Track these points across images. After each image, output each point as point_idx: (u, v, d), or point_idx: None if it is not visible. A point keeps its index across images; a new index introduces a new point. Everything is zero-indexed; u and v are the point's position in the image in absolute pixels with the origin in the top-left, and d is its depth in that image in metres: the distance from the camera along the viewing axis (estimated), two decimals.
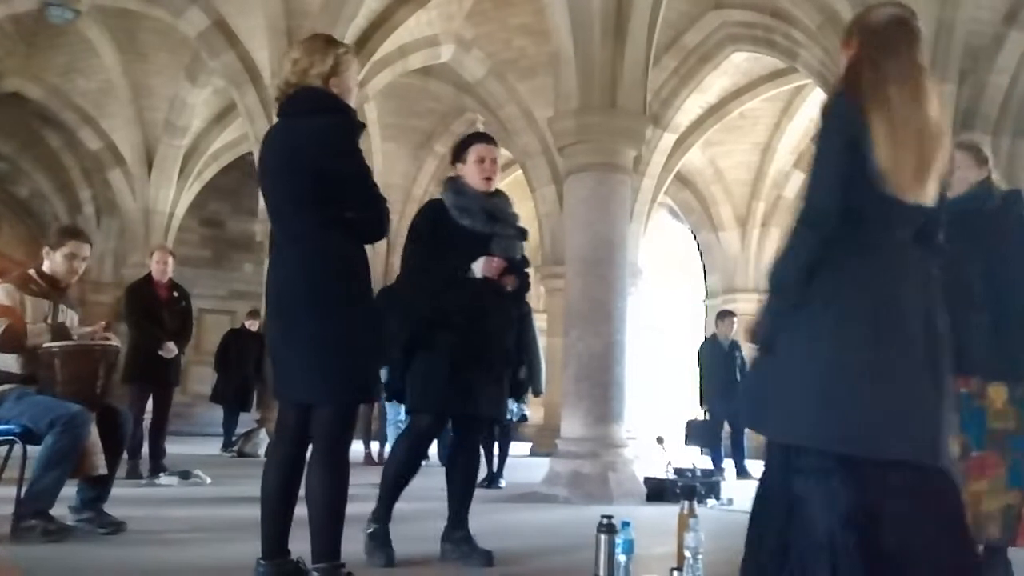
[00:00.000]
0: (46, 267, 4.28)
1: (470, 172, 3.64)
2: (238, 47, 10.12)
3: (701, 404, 9.29)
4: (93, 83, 13.07)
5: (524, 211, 17.37)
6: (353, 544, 3.58)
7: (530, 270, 3.90)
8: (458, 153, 3.73)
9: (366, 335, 2.79)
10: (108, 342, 4.22)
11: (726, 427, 9.11)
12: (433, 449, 7.64)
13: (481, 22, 11.42)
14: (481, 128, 13.79)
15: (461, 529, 3.59)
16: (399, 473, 3.57)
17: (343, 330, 2.73)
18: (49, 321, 4.14)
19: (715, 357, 9.12)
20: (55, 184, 15.93)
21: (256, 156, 3.02)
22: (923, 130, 2.05)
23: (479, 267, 3.48)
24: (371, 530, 3.51)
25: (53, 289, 4.25)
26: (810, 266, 2.06)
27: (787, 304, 2.11)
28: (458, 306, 3.45)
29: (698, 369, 9.38)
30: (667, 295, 18.27)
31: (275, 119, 2.96)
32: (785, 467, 2.05)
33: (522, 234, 3.73)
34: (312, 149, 2.75)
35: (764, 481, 2.13)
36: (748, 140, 13.49)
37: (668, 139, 12.11)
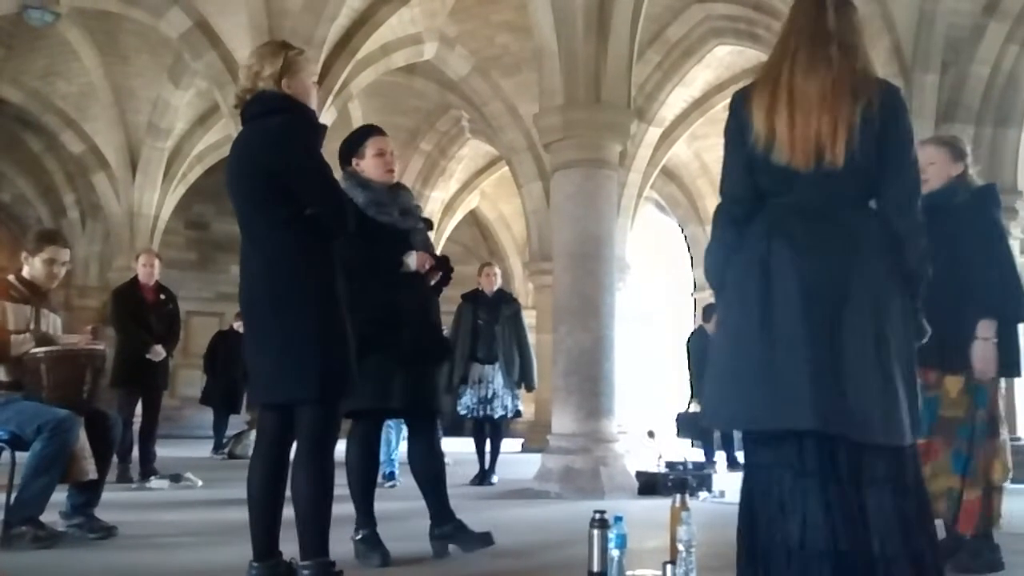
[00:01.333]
0: (26, 272, 4.24)
1: (370, 166, 3.63)
2: (220, 47, 10.06)
3: (692, 397, 9.33)
4: (74, 86, 12.96)
5: (511, 207, 17.36)
6: (344, 545, 3.60)
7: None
8: (353, 148, 3.68)
9: (335, 330, 2.80)
10: (94, 346, 4.20)
11: None
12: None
13: (464, 19, 11.40)
14: (466, 126, 13.81)
15: (450, 521, 3.59)
16: (359, 479, 3.57)
17: (310, 327, 2.74)
18: (32, 327, 4.11)
19: (703, 349, 9.16)
20: (38, 188, 15.80)
21: None
22: (813, 96, 2.08)
23: (413, 261, 3.53)
24: (359, 536, 3.50)
25: (34, 295, 4.22)
26: (725, 250, 2.19)
27: (714, 288, 2.27)
28: (405, 302, 3.49)
29: (686, 362, 9.42)
30: (655, 289, 18.30)
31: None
32: (750, 460, 2.14)
33: (428, 224, 3.83)
34: (263, 150, 2.79)
35: (744, 479, 2.18)
36: None
37: (653, 133, 12.14)
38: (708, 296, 14.12)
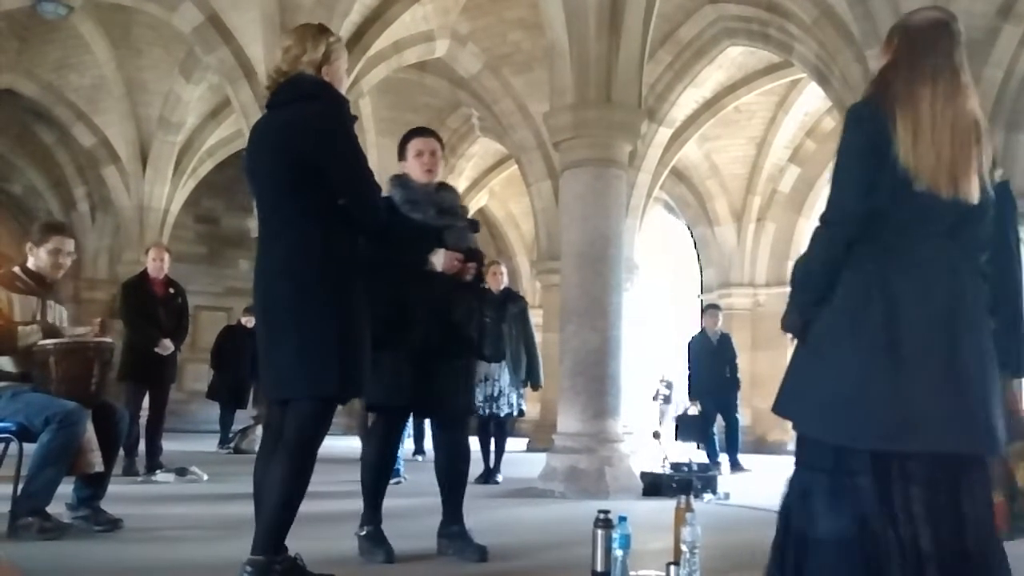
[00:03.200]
0: (31, 264, 4.24)
1: (412, 167, 3.71)
2: (232, 43, 10.09)
3: (690, 398, 9.34)
4: (86, 79, 13.01)
5: (520, 206, 17.36)
6: (349, 541, 3.60)
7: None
8: (400, 152, 3.80)
9: (355, 330, 2.75)
10: (103, 339, 4.21)
11: (719, 421, 9.14)
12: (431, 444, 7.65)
13: (476, 16, 11.40)
14: (476, 124, 13.81)
15: (456, 524, 3.60)
16: (375, 473, 3.61)
17: (331, 326, 2.69)
18: (38, 318, 4.12)
19: (703, 351, 9.17)
20: (49, 181, 15.87)
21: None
22: (953, 126, 2.07)
23: (439, 260, 3.51)
24: (364, 532, 3.52)
25: (40, 286, 4.22)
26: (833, 268, 2.12)
27: (808, 303, 2.19)
28: (423, 301, 3.47)
29: (687, 363, 9.42)
30: (663, 290, 18.28)
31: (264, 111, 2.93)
32: (819, 463, 2.11)
33: (473, 226, 3.81)
34: (298, 135, 2.72)
35: (799, 475, 2.16)
36: (744, 134, 13.49)
37: (664, 133, 12.11)
38: (716, 297, 14.12)
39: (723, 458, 8.88)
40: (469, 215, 3.93)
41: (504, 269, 7.41)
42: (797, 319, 2.20)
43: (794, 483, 2.16)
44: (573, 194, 6.71)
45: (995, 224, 3.30)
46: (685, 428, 9.40)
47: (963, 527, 2.00)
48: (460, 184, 15.36)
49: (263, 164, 2.80)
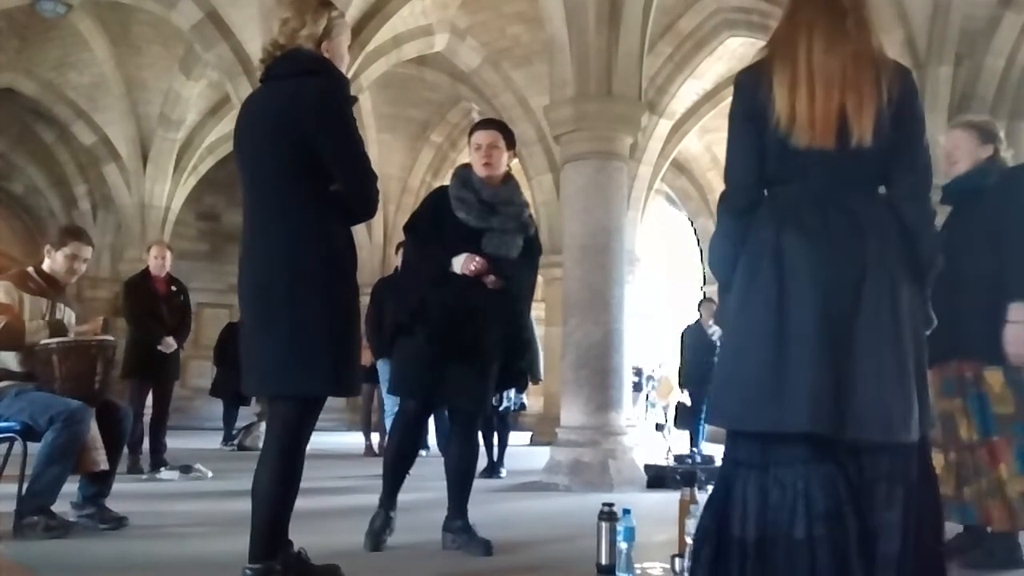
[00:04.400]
0: (46, 266, 4.27)
1: (473, 160, 3.67)
2: (231, 39, 10.06)
3: (681, 388, 9.38)
4: (86, 77, 13.00)
5: None
6: (353, 536, 3.61)
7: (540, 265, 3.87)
8: (469, 146, 3.75)
9: (350, 324, 2.64)
10: (105, 337, 4.22)
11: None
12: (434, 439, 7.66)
13: (475, 10, 11.37)
14: (476, 118, 13.78)
15: (460, 518, 3.62)
16: (394, 460, 3.65)
17: (328, 319, 2.54)
18: (46, 319, 4.14)
19: (696, 342, 9.20)
20: (50, 179, 15.88)
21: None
22: (835, 70, 1.97)
23: (459, 264, 3.46)
24: (375, 514, 3.61)
25: (51, 288, 4.25)
26: (732, 242, 2.06)
27: (721, 282, 2.13)
28: (439, 302, 3.45)
29: (680, 354, 9.45)
30: (665, 281, 18.27)
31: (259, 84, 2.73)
32: (745, 457, 2.01)
33: (523, 228, 3.65)
34: (299, 113, 2.53)
35: (726, 470, 2.09)
36: None
37: (664, 126, 12.09)
38: (715, 290, 14.11)
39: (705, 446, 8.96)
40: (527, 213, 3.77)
41: None
42: (720, 304, 2.17)
43: (721, 479, 2.10)
44: (574, 187, 6.71)
45: (1010, 207, 3.27)
46: (684, 416, 9.45)
47: (887, 519, 1.91)
48: None
49: (258, 141, 2.62)
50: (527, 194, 13.48)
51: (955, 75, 7.66)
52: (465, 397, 3.56)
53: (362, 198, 2.65)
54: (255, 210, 2.63)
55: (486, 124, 3.80)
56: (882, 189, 2.08)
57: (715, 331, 9.14)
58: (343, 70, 2.72)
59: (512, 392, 6.94)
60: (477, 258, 3.45)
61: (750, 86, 2.04)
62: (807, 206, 1.99)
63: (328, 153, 2.55)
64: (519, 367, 3.77)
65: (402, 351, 3.56)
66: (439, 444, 7.56)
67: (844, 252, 1.95)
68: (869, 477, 1.94)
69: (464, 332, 3.46)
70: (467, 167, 3.70)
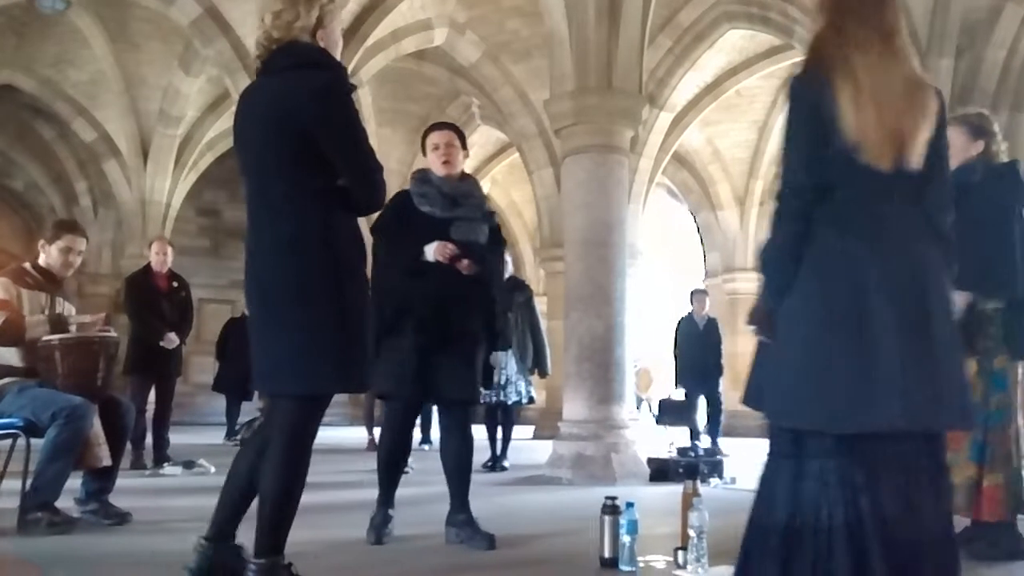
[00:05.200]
0: (42, 260, 4.28)
1: (430, 161, 3.78)
2: (230, 34, 10.06)
3: (676, 381, 9.38)
4: (85, 74, 12.99)
5: (522, 194, 17.29)
6: (355, 531, 3.62)
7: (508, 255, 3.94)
8: (422, 148, 3.87)
9: (362, 320, 2.60)
10: (107, 333, 4.22)
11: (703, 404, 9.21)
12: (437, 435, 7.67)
13: (474, 5, 11.35)
14: (476, 112, 13.77)
15: (463, 512, 3.64)
16: (386, 460, 3.71)
17: (332, 315, 2.50)
18: (46, 313, 4.14)
19: (690, 335, 9.20)
20: (50, 176, 15.87)
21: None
22: (894, 92, 2.03)
23: (431, 251, 3.56)
24: (372, 514, 3.65)
25: (49, 282, 4.25)
26: (793, 245, 2.08)
27: (776, 284, 2.12)
28: (421, 293, 3.54)
29: (673, 346, 9.43)
30: (667, 275, 18.27)
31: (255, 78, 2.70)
32: (784, 450, 2.06)
33: (487, 217, 3.80)
34: (303, 107, 2.50)
35: (768, 464, 2.12)
36: (745, 118, 13.44)
37: (665, 119, 12.06)
38: (720, 282, 14.11)
39: (705, 439, 8.95)
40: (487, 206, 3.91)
41: (509, 258, 7.40)
42: (766, 307, 2.14)
43: (763, 473, 2.11)
44: (575, 181, 6.70)
45: (987, 203, 3.32)
46: (665, 411, 9.42)
47: (921, 512, 1.97)
48: None
49: (261, 136, 2.57)
50: (528, 188, 13.36)
51: (956, 67, 7.64)
52: (455, 386, 3.61)
53: (368, 189, 2.62)
54: (260, 205, 2.59)
55: (440, 126, 3.95)
56: None
57: (705, 323, 9.12)
58: (338, 56, 2.71)
59: (521, 386, 6.97)
60: (449, 244, 3.55)
61: (812, 96, 2.06)
62: (869, 215, 2.05)
63: (333, 145, 2.52)
64: (488, 360, 3.81)
65: (388, 351, 3.58)
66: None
67: (912, 258, 2.03)
68: (912, 465, 2.01)
69: (449, 318, 3.56)
70: (424, 169, 3.83)
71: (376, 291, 3.73)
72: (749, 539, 2.09)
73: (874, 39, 2.05)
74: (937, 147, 2.11)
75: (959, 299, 3.20)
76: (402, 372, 3.53)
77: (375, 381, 3.59)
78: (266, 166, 2.57)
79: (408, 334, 3.53)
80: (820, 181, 2.05)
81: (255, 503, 2.59)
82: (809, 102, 2.06)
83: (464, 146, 3.84)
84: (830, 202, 2.05)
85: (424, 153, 3.84)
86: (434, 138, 3.79)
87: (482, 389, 6.65)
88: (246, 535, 2.63)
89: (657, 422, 9.29)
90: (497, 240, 3.85)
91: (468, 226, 3.67)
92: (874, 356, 1.96)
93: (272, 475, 2.54)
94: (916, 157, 2.05)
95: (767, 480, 2.09)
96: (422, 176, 3.78)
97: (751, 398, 2.18)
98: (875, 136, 2.00)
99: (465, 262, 3.57)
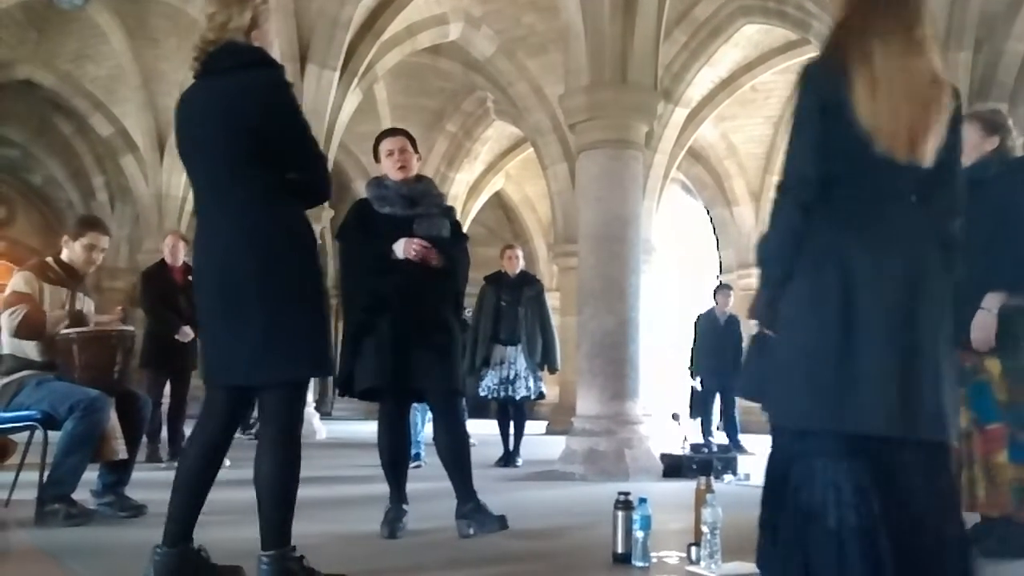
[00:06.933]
0: (64, 255, 4.31)
1: (385, 167, 3.85)
2: None
3: (691, 375, 9.36)
4: (103, 69, 13.07)
5: (536, 189, 17.25)
6: (369, 525, 3.63)
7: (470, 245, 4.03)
8: (375, 155, 3.92)
9: (320, 310, 2.66)
10: (124, 328, 4.26)
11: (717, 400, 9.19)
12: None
13: None
14: (491, 107, 13.76)
15: (469, 501, 3.67)
16: (388, 460, 3.77)
17: (299, 305, 2.57)
18: (67, 308, 4.17)
19: (710, 330, 9.17)
20: (68, 171, 16.00)
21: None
22: (912, 84, 1.98)
23: (399, 248, 3.63)
24: (386, 508, 3.70)
25: (70, 277, 4.29)
26: (793, 236, 2.04)
27: (774, 277, 2.10)
28: (391, 289, 3.61)
29: (692, 340, 9.41)
30: (681, 271, 18.21)
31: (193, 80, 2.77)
32: (786, 449, 2.04)
33: (446, 212, 3.89)
34: (248, 106, 2.57)
35: (771, 463, 2.10)
36: (761, 114, 13.36)
37: (680, 114, 12.01)
38: (735, 278, 14.04)
39: (720, 435, 8.94)
40: (448, 200, 4.07)
41: (520, 253, 7.40)
42: (766, 299, 2.12)
43: (768, 469, 2.09)
44: (589, 176, 6.68)
45: (1006, 198, 3.28)
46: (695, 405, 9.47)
47: (920, 513, 1.93)
48: (476, 168, 15.35)
49: (211, 135, 2.61)
50: (542, 184, 13.35)
51: (974, 60, 7.56)
52: (434, 376, 3.64)
53: (318, 181, 2.72)
54: (213, 204, 2.66)
55: (391, 132, 4.04)
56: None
57: (746, 322, 9.11)
58: (274, 56, 2.76)
59: (532, 382, 6.97)
60: (416, 240, 3.63)
61: (826, 81, 2.01)
62: (870, 212, 2.01)
63: (282, 142, 2.59)
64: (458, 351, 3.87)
65: (365, 349, 3.64)
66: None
67: (907, 259, 1.98)
68: (912, 470, 1.96)
69: (422, 310, 3.63)
70: (378, 177, 3.89)
71: (344, 295, 3.85)
72: (764, 533, 2.06)
73: (896, 29, 2.00)
74: (950, 147, 2.06)
75: (993, 300, 3.23)
76: (380, 365, 3.59)
77: (357, 380, 3.65)
78: (219, 165, 2.62)
79: (383, 330, 3.60)
80: (825, 173, 2.00)
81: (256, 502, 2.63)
82: (822, 89, 2.01)
83: (416, 149, 3.91)
84: (831, 196, 2.02)
85: (377, 160, 3.90)
86: (387, 144, 3.85)
87: (488, 385, 6.70)
88: (251, 530, 2.65)
89: (691, 416, 9.32)
90: (458, 234, 3.93)
91: (430, 222, 3.76)
92: (857, 358, 1.93)
93: (268, 468, 2.60)
94: (928, 153, 2.00)
95: (771, 478, 2.07)
96: (377, 182, 3.86)
97: (746, 389, 2.18)
98: (889, 126, 1.96)
99: (434, 253, 3.65)
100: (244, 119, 2.56)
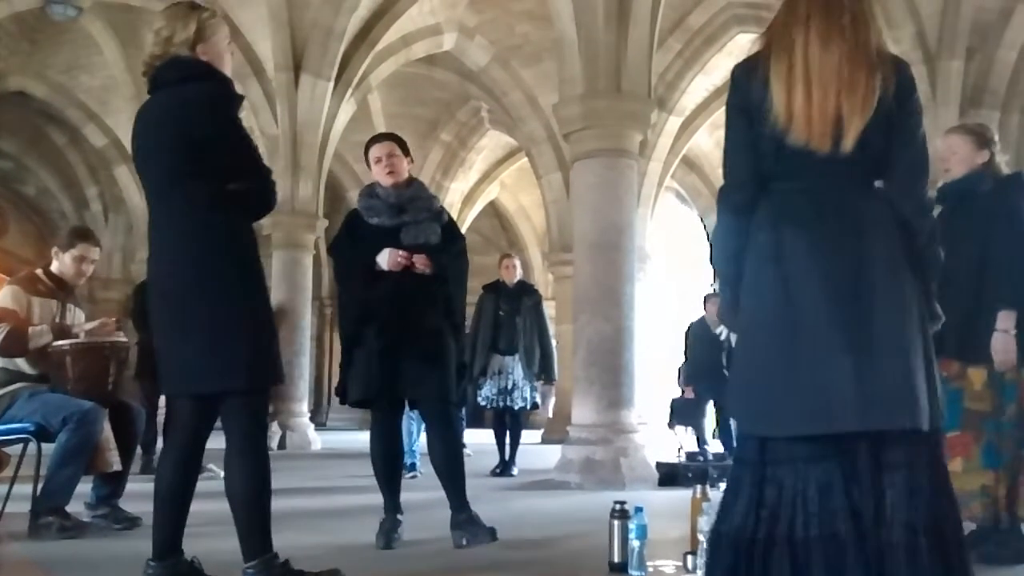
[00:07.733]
0: (54, 267, 4.29)
1: (376, 173, 3.83)
2: (240, 39, 10.10)
3: (683, 383, 9.34)
4: (96, 79, 13.06)
5: (531, 198, 17.30)
6: (363, 535, 3.62)
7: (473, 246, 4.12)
8: (366, 161, 3.90)
9: (262, 316, 2.67)
10: (118, 338, 4.24)
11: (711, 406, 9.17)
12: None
13: (483, 9, 11.37)
14: (485, 116, 13.79)
15: (463, 511, 3.65)
16: (381, 470, 3.75)
17: (241, 312, 2.59)
18: (57, 320, 4.15)
19: (702, 338, 9.15)
20: (61, 182, 15.96)
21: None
22: (828, 71, 1.92)
23: (382, 260, 3.63)
24: (381, 519, 3.68)
25: (60, 289, 4.26)
26: (734, 237, 2.04)
27: (727, 276, 2.09)
28: (378, 298, 3.61)
29: (684, 348, 9.40)
30: (675, 279, 18.22)
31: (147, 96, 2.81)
32: (751, 455, 1.98)
33: (436, 216, 3.85)
34: (186, 119, 2.60)
35: (734, 469, 2.06)
36: None
37: (674, 122, 12.06)
38: None
39: (715, 444, 8.90)
40: (442, 203, 4.01)
41: (518, 262, 7.40)
42: (727, 301, 2.10)
43: (728, 480, 2.06)
44: (584, 185, 6.69)
45: (1002, 214, 3.30)
46: (677, 411, 9.39)
47: (898, 510, 1.88)
48: (471, 177, 15.38)
49: (154, 149, 2.68)
50: (537, 193, 13.39)
51: (967, 69, 7.61)
52: (426, 385, 3.63)
53: (262, 192, 2.74)
54: (160, 215, 2.69)
55: (379, 138, 4.01)
56: (879, 183, 2.06)
57: (722, 330, 9.10)
58: (225, 69, 2.77)
59: (527, 392, 6.96)
60: (399, 251, 3.62)
61: (746, 80, 2.01)
62: (805, 206, 1.97)
63: (224, 153, 2.62)
64: (460, 360, 3.84)
65: (356, 360, 3.65)
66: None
67: (844, 251, 1.93)
68: (886, 467, 1.91)
69: (409, 317, 3.61)
70: (370, 184, 3.89)
71: (339, 306, 3.87)
72: (711, 551, 2.01)
73: (817, 14, 1.96)
74: (895, 121, 1.96)
75: (1007, 320, 3.20)
76: (368, 375, 3.59)
77: (349, 391, 3.65)
78: (162, 176, 2.67)
79: (372, 340, 3.60)
80: (755, 171, 2.00)
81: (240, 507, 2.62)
82: (742, 89, 2.01)
83: (407, 153, 3.89)
84: (769, 193, 2.00)
85: (368, 167, 3.89)
86: (375, 151, 3.83)
87: (486, 395, 6.68)
88: (229, 543, 2.63)
89: (669, 425, 9.26)
90: (453, 236, 3.89)
91: (417, 229, 3.74)
92: (799, 357, 1.89)
93: (239, 478, 2.60)
94: (856, 135, 1.92)
95: (731, 488, 2.00)
96: (368, 191, 3.86)
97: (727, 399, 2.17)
98: (804, 116, 1.92)
99: (419, 258, 3.63)
100: (183, 131, 2.59)
